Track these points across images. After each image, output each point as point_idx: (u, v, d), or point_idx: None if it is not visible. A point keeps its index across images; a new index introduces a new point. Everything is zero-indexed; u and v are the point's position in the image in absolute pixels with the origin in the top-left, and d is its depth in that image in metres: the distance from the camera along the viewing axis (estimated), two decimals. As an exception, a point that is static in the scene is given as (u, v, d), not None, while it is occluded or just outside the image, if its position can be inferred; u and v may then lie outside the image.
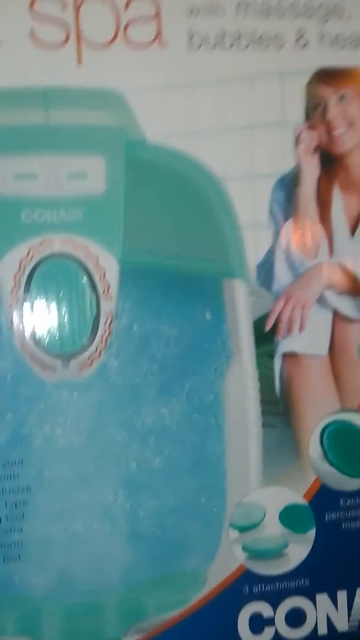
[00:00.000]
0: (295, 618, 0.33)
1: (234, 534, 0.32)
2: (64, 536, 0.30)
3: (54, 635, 0.30)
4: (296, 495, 0.32)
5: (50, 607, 0.30)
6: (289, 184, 0.32)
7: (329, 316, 0.33)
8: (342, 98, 0.32)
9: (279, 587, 0.32)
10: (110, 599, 0.31)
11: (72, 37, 0.29)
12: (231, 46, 0.31)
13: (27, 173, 0.29)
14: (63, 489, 0.30)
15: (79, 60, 0.29)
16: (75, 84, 0.29)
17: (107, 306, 0.30)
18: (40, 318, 0.30)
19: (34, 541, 0.30)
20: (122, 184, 0.30)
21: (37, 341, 0.30)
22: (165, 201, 0.30)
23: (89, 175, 0.29)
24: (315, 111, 0.32)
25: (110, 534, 0.31)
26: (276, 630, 0.33)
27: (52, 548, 0.30)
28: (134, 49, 0.30)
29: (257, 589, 0.32)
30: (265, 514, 0.32)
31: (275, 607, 0.33)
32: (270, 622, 0.33)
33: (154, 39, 0.30)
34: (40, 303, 0.30)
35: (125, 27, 0.30)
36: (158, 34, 0.30)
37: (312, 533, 0.32)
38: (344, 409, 0.33)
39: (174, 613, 0.31)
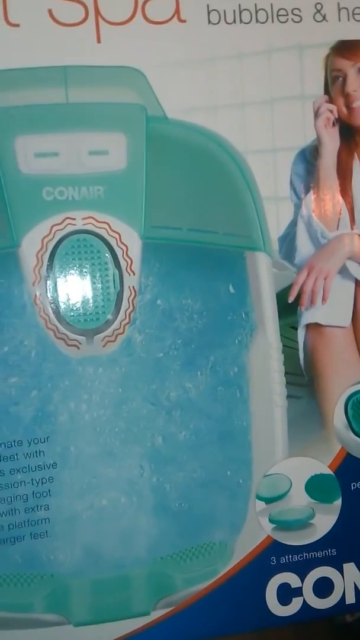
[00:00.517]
0: (323, 588, 0.33)
1: (260, 505, 0.32)
2: (91, 512, 0.31)
3: (82, 611, 0.30)
4: (321, 465, 0.33)
5: (79, 583, 0.30)
6: (310, 157, 0.32)
7: (351, 287, 0.33)
8: (361, 70, 0.32)
9: (306, 557, 0.33)
10: (138, 573, 0.31)
11: (91, 15, 0.30)
12: (250, 21, 0.31)
13: (49, 151, 0.30)
14: (89, 464, 0.30)
15: (98, 38, 0.30)
16: (94, 62, 0.29)
17: (130, 281, 0.30)
18: (63, 295, 0.30)
19: (60, 518, 0.30)
20: (143, 159, 0.30)
21: (61, 318, 0.30)
22: (187, 176, 0.31)
23: (110, 152, 0.30)
24: (334, 84, 0.32)
25: (136, 508, 0.31)
26: (304, 600, 0.33)
27: (79, 524, 0.30)
28: (152, 25, 0.30)
29: (284, 560, 0.32)
30: (291, 485, 0.32)
31: (302, 577, 0.33)
32: (298, 592, 0.33)
33: (173, 15, 0.30)
34: (63, 280, 0.30)
35: (144, 4, 0.30)
36: (177, 10, 0.30)
37: (338, 503, 0.33)
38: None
39: (202, 586, 0.31)
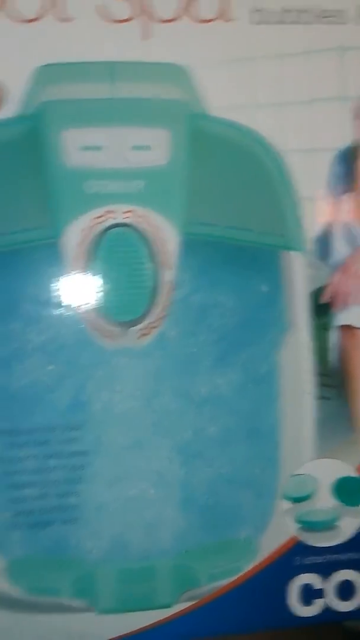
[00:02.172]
0: (346, 590, 0.33)
1: (286, 504, 0.32)
2: (119, 501, 0.31)
3: (107, 598, 0.31)
4: (349, 468, 0.33)
5: (105, 571, 0.31)
6: (348, 158, 0.32)
7: (387, 289, 0.33)
8: None
9: (330, 559, 0.33)
10: (163, 565, 0.31)
11: (139, 12, 0.30)
12: (293, 22, 0.31)
13: (92, 145, 0.30)
14: (119, 454, 0.31)
15: (145, 34, 0.31)
16: (141, 58, 0.30)
17: (167, 276, 0.31)
18: (101, 287, 0.30)
19: (90, 505, 0.31)
20: (184, 156, 0.30)
21: (98, 309, 0.30)
22: (227, 173, 0.31)
23: (152, 147, 0.30)
24: (375, 85, 0.32)
25: (164, 501, 0.31)
26: (326, 602, 0.33)
27: (108, 512, 0.31)
28: (198, 24, 0.31)
29: (308, 561, 0.32)
30: (318, 486, 0.32)
31: (325, 579, 0.33)
32: (321, 594, 0.33)
33: (219, 14, 0.31)
34: (102, 272, 0.30)
35: (191, 2, 0.31)
36: (223, 9, 0.31)
37: (364, 506, 0.33)
38: None
39: (225, 581, 0.32)
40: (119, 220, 0.31)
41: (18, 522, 0.30)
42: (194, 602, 0.31)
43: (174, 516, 0.31)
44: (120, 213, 0.30)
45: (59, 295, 0.30)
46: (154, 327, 0.31)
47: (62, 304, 0.30)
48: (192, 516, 0.31)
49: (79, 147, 0.30)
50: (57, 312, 0.30)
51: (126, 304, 0.31)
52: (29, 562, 0.31)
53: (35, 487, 0.30)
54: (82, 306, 0.30)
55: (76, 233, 0.30)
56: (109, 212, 0.30)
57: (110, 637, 0.31)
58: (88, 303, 0.30)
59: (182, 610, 0.31)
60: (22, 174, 0.30)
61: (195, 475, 0.31)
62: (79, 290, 0.30)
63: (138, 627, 0.31)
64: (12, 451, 0.30)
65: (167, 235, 0.31)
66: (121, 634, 0.31)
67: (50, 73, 0.30)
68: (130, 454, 0.31)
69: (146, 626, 0.31)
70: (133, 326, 0.31)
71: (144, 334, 0.31)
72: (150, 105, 0.30)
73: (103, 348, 0.31)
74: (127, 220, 0.31)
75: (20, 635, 0.30)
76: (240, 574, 0.32)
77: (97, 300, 0.30)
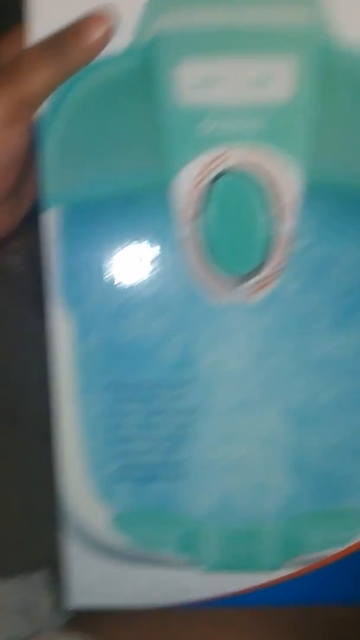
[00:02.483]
0: None
1: None
2: (226, 461, 0.30)
3: (212, 556, 0.30)
4: None
5: (210, 529, 0.30)
6: None
7: None
8: None
9: None
10: (270, 528, 0.30)
11: None
12: None
13: (209, 79, 0.28)
14: (227, 414, 0.30)
15: None
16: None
17: (287, 225, 0.28)
18: (213, 237, 0.28)
19: (196, 463, 0.30)
20: (311, 91, 0.27)
21: (209, 262, 0.29)
22: (357, 113, 0.28)
23: (275, 80, 0.27)
24: None
25: (273, 464, 0.30)
26: None
27: (214, 472, 0.30)
28: None
29: None
30: None
31: None
32: None
33: None
34: (214, 221, 0.28)
35: None
36: None
37: None
38: None
39: (333, 550, 0.30)
40: (236, 163, 0.28)
41: (126, 476, 0.30)
42: (300, 569, 0.30)
43: (283, 480, 0.30)
44: (237, 156, 0.28)
45: (168, 247, 0.29)
46: (269, 282, 0.29)
47: (171, 256, 0.29)
48: (302, 482, 0.30)
49: (194, 82, 0.28)
50: (165, 264, 0.29)
51: (240, 256, 0.29)
52: (135, 515, 0.30)
53: (141, 442, 0.30)
54: (192, 260, 0.29)
55: (188, 178, 0.28)
56: (225, 154, 0.28)
57: (213, 595, 0.31)
58: (198, 256, 0.29)
59: (287, 576, 0.30)
60: (131, 113, 0.28)
61: (307, 440, 0.29)
62: (188, 241, 0.29)
63: (242, 588, 0.31)
64: (119, 405, 0.30)
65: (289, 180, 0.28)
66: (225, 592, 0.31)
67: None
68: (239, 414, 0.30)
69: (252, 587, 0.31)
70: (246, 280, 0.29)
71: (258, 289, 0.29)
72: (274, 32, 0.27)
73: (213, 304, 0.29)
74: (244, 164, 0.28)
75: (127, 586, 0.31)
76: (350, 544, 0.30)
77: (208, 253, 0.29)
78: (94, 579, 0.31)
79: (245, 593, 0.31)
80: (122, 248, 0.29)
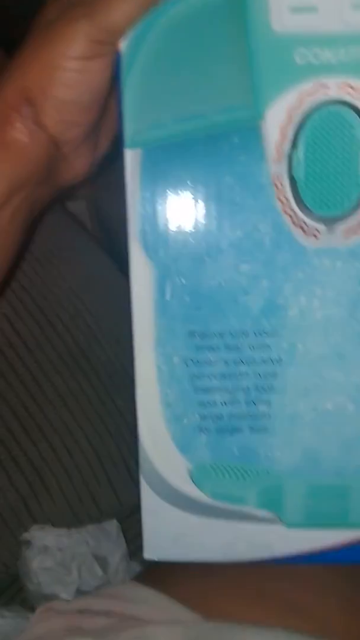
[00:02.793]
0: None
1: None
2: (314, 414, 0.29)
3: (296, 512, 0.29)
4: None
5: (294, 485, 0.29)
6: None
7: None
8: None
9: None
10: (359, 484, 0.29)
11: None
12: None
13: (305, 5, 0.25)
14: (316, 364, 0.28)
15: None
16: None
17: (387, 164, 0.27)
18: (306, 176, 0.27)
19: (281, 415, 0.29)
20: None
21: (301, 202, 0.27)
22: None
23: (380, 4, 0.25)
24: None
25: (364, 418, 0.29)
26: None
27: (300, 425, 0.29)
28: None
29: None
30: None
31: None
32: None
33: None
34: (308, 159, 0.26)
35: None
36: None
37: None
38: None
39: None
40: (333, 96, 0.26)
41: (206, 427, 0.29)
42: (389, 526, 0.30)
43: (374, 435, 0.29)
44: (335, 87, 0.26)
45: (257, 186, 0.27)
46: (366, 225, 0.28)
47: (261, 196, 0.27)
48: (394, 437, 0.29)
49: (290, 7, 0.26)
50: (254, 204, 0.27)
51: (334, 197, 0.27)
52: (215, 468, 0.29)
53: (224, 392, 0.29)
54: (284, 199, 0.27)
55: (281, 112, 0.26)
56: (321, 85, 0.26)
57: (297, 552, 0.30)
58: (289, 196, 0.27)
59: (376, 533, 0.30)
60: (220, 43, 0.26)
61: None
62: (280, 180, 0.27)
63: (328, 545, 0.30)
64: (202, 354, 0.28)
65: (389, 114, 0.26)
66: (310, 549, 0.30)
67: None
68: (328, 364, 0.28)
69: (337, 545, 0.29)
70: (340, 223, 0.27)
71: (353, 233, 0.27)
72: None
73: (305, 247, 0.27)
74: (342, 96, 0.26)
75: (205, 539, 0.30)
76: None
77: (299, 192, 0.27)
78: (171, 532, 0.30)
79: (330, 550, 0.30)
80: (206, 188, 0.27)
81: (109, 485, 0.43)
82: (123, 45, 0.27)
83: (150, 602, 0.33)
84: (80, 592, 0.39)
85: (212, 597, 0.33)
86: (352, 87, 0.26)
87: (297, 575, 0.33)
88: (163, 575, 0.36)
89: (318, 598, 0.33)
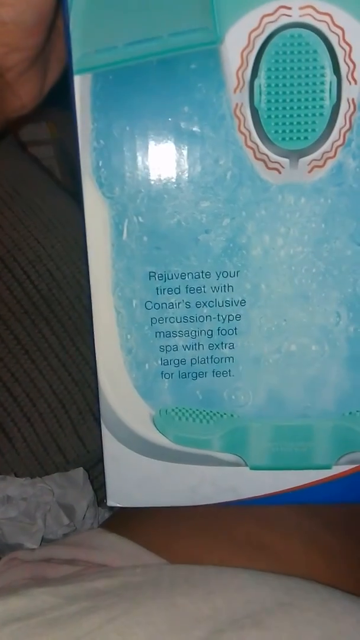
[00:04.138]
0: None
1: None
2: (278, 356, 0.28)
3: (260, 455, 0.29)
4: None
5: (259, 427, 0.29)
6: None
7: None
8: None
9: None
10: (323, 425, 0.28)
11: None
12: None
13: None
14: (280, 305, 0.27)
15: None
16: None
17: (351, 92, 0.25)
18: (269, 106, 0.25)
19: (245, 358, 0.28)
20: None
21: (263, 134, 0.25)
22: None
23: None
24: None
25: (328, 358, 0.28)
26: None
27: (265, 367, 0.28)
28: None
29: None
30: None
31: None
32: None
33: None
34: (270, 87, 0.25)
35: None
36: None
37: None
38: None
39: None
40: (295, 19, 0.24)
41: (168, 372, 0.28)
42: (354, 466, 0.29)
43: (338, 375, 0.28)
44: (296, 9, 0.24)
45: (216, 117, 0.25)
46: (330, 158, 0.26)
47: (221, 127, 0.26)
48: (358, 377, 0.28)
49: None
50: (215, 137, 0.26)
51: (297, 128, 0.25)
52: (178, 413, 0.29)
53: (186, 336, 0.28)
54: (245, 131, 0.25)
55: (241, 35, 0.24)
56: (282, 7, 0.24)
57: (262, 494, 0.30)
58: (251, 127, 0.25)
59: (341, 473, 0.29)
60: None
61: (367, 332, 0.28)
62: (241, 110, 0.25)
63: (293, 486, 0.29)
64: (162, 296, 0.27)
65: (354, 39, 0.24)
66: (274, 491, 0.29)
67: None
68: (293, 305, 0.27)
69: (302, 485, 0.29)
70: (304, 156, 0.26)
71: (317, 166, 0.26)
72: None
73: (267, 182, 0.26)
74: (304, 19, 0.24)
75: (169, 484, 0.30)
76: None
77: (261, 123, 0.25)
78: (135, 478, 0.30)
79: (295, 491, 0.30)
80: (163, 119, 0.25)
81: (75, 434, 0.43)
82: None
83: (116, 548, 0.33)
84: (47, 541, 0.39)
85: (177, 541, 0.33)
86: (314, 9, 0.24)
87: (262, 515, 0.33)
88: (129, 522, 0.36)
89: (283, 538, 0.33)
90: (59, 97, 0.30)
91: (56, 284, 0.44)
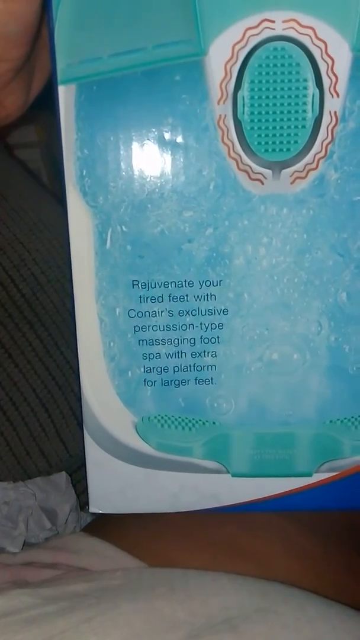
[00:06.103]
0: None
1: None
2: (260, 364, 0.28)
3: (242, 462, 0.29)
4: None
5: (240, 435, 0.29)
6: None
7: None
8: None
9: None
10: (304, 433, 0.29)
11: None
12: None
13: None
14: (262, 314, 0.28)
15: None
16: None
17: (333, 105, 0.25)
18: (251, 117, 0.25)
19: (227, 366, 0.28)
20: None
21: (246, 145, 0.26)
22: None
23: None
24: None
25: (309, 367, 0.28)
26: None
27: (246, 375, 0.28)
28: None
29: None
30: None
31: None
32: None
33: None
34: (253, 99, 0.25)
35: None
36: None
37: None
38: None
39: (368, 456, 0.30)
40: (278, 32, 0.25)
41: (150, 379, 0.28)
42: (335, 474, 0.29)
43: (319, 384, 0.28)
44: (279, 23, 0.24)
45: (200, 128, 0.26)
46: (312, 169, 0.26)
47: (205, 138, 0.26)
48: (339, 385, 0.28)
49: None
50: (198, 148, 0.26)
51: (280, 140, 0.26)
52: (161, 420, 0.29)
53: (169, 344, 0.28)
54: (228, 142, 0.26)
55: (225, 47, 0.25)
56: (266, 20, 0.24)
57: (243, 501, 0.30)
58: (234, 138, 0.26)
59: (321, 481, 0.29)
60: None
61: (347, 341, 0.28)
62: (225, 121, 0.26)
63: (274, 493, 0.30)
64: (145, 305, 0.27)
65: (337, 52, 0.24)
66: (256, 498, 0.30)
67: None
68: (275, 314, 0.28)
69: (283, 492, 0.30)
70: (286, 167, 0.26)
71: (299, 178, 0.26)
72: None
73: (250, 193, 0.26)
74: (287, 32, 0.25)
75: (151, 491, 0.30)
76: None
77: (245, 134, 0.26)
78: (117, 484, 0.30)
79: (277, 498, 0.30)
80: (146, 130, 0.26)
81: (58, 438, 0.43)
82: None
83: (97, 552, 0.33)
84: (29, 545, 0.39)
85: (158, 545, 0.33)
86: (297, 23, 0.25)
87: (243, 520, 0.33)
88: (111, 526, 0.36)
89: (264, 543, 0.33)
90: (48, 101, 0.30)
91: (40, 287, 0.44)
